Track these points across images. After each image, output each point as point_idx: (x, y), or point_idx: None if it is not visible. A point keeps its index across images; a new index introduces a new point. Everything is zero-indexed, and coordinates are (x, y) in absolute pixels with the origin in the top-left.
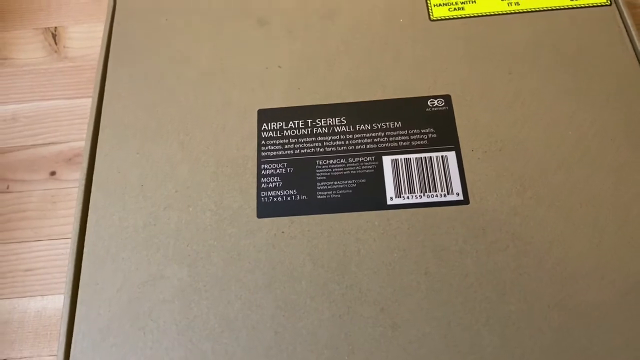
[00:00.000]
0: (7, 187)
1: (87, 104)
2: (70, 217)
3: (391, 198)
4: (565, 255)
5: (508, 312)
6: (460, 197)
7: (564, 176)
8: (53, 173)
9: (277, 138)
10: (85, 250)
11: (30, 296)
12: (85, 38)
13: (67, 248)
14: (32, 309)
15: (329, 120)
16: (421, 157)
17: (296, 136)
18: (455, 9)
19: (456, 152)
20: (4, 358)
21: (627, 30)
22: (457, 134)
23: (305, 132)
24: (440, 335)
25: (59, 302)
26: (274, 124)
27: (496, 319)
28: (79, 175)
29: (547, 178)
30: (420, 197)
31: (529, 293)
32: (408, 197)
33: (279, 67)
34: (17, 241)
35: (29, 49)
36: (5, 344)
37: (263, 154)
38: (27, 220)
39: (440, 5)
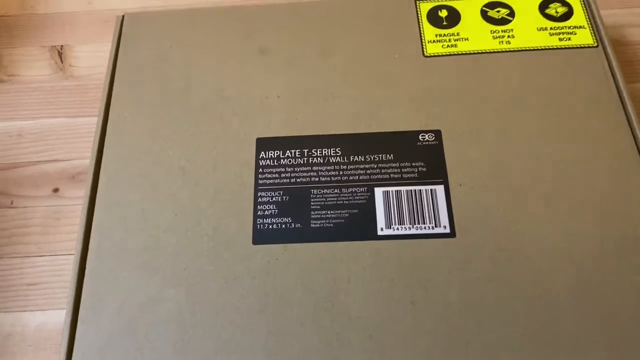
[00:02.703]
0: (12, 203)
1: (91, 123)
2: (73, 234)
3: (381, 229)
4: (544, 290)
5: (487, 340)
6: (447, 230)
7: (547, 212)
8: (56, 190)
9: (274, 166)
10: (87, 269)
11: (31, 310)
12: (90, 57)
13: (69, 264)
14: (32, 323)
15: (324, 150)
16: (411, 190)
17: (292, 165)
18: (448, 46)
19: (444, 186)
20: None
21: (612, 72)
22: (446, 169)
23: (301, 162)
24: None
25: (59, 316)
26: (271, 152)
27: (476, 346)
28: (83, 195)
29: (531, 214)
30: (409, 228)
31: (508, 324)
32: (398, 229)
33: (278, 97)
34: (21, 256)
35: (35, 66)
36: (7, 355)
37: (260, 181)
38: (30, 235)
39: (434, 42)
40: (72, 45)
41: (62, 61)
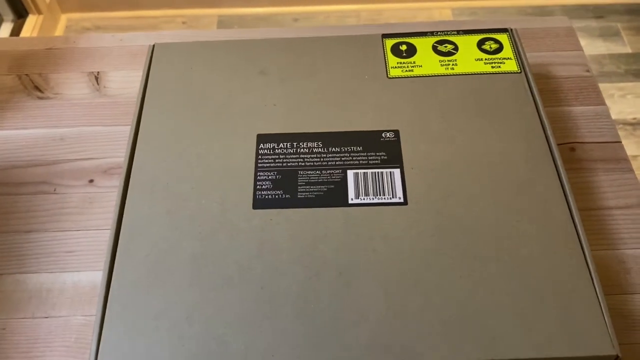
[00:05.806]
0: (54, 190)
1: (121, 131)
2: (103, 214)
3: (352, 199)
4: (474, 242)
5: (429, 278)
6: (402, 200)
7: (477, 188)
8: (91, 181)
9: (270, 155)
10: (122, 228)
11: (69, 271)
12: (121, 81)
13: (100, 236)
14: (69, 281)
15: (309, 143)
16: (375, 172)
17: (284, 154)
18: (406, 71)
19: (400, 170)
20: (46, 316)
21: (531, 91)
22: (402, 157)
23: (291, 151)
24: (382, 293)
25: (91, 276)
26: (268, 145)
27: (421, 283)
28: (120, 177)
29: (465, 189)
30: (373, 199)
31: (445, 266)
32: (364, 199)
33: (274, 105)
34: (61, 230)
35: (76, 87)
36: (48, 305)
37: (259, 165)
38: (69, 215)
39: (395, 67)
40: (106, 71)
41: (98, 84)
